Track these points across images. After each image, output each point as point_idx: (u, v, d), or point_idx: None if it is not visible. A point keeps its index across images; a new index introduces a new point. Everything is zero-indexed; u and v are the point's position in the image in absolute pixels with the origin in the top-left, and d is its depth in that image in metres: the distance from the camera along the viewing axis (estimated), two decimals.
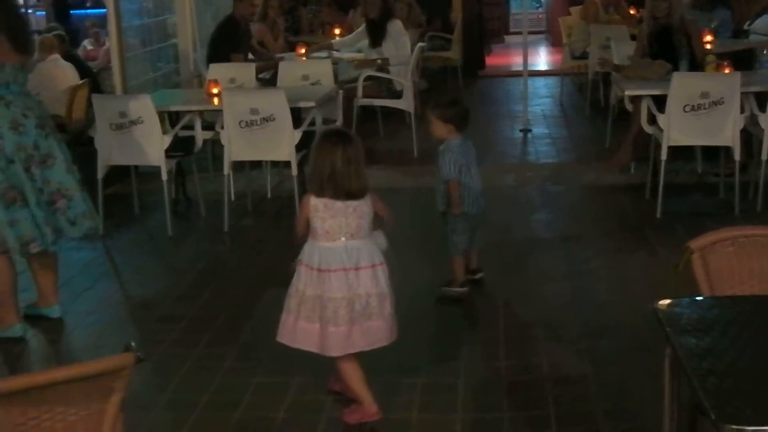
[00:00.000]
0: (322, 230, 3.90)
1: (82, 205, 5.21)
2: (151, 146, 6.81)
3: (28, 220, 4.96)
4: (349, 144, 3.91)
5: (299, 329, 3.97)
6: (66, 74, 9.15)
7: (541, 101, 12.25)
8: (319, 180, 3.87)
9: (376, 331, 3.97)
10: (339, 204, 3.87)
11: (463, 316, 5.33)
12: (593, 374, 4.41)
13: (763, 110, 6.75)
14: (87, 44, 12.65)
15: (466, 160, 5.34)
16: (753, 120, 6.84)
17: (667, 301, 2.81)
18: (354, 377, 4.04)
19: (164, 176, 6.85)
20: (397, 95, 9.43)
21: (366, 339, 3.96)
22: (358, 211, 3.91)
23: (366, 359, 4.61)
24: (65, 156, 5.17)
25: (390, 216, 4.13)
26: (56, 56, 9.18)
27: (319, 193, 3.89)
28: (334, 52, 10.05)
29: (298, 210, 4.19)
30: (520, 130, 10.16)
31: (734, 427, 2.08)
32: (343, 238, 3.90)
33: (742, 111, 6.73)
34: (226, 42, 8.98)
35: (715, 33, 8.49)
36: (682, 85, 6.71)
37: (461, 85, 13.35)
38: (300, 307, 3.95)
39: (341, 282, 3.88)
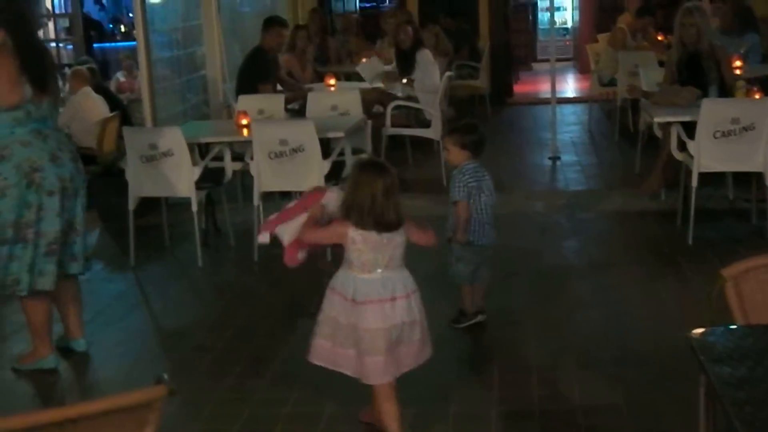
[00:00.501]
0: (359, 262, 3.89)
1: (84, 243, 5.25)
2: (181, 178, 6.86)
3: (24, 261, 4.94)
4: (387, 175, 3.90)
5: (338, 355, 3.97)
6: (97, 106, 9.24)
7: (569, 128, 12.23)
8: (360, 212, 3.85)
9: (405, 357, 3.98)
10: (375, 237, 3.86)
11: (494, 344, 5.30)
12: (625, 403, 4.38)
13: None
14: (120, 76, 12.79)
15: (477, 184, 5.24)
16: None
17: (700, 330, 2.79)
18: (390, 414, 4.00)
19: (194, 207, 6.88)
20: (426, 124, 9.45)
21: (397, 366, 3.97)
22: (393, 242, 3.90)
23: (398, 388, 4.61)
24: (85, 191, 5.24)
25: (431, 238, 4.12)
26: (87, 89, 9.28)
27: (360, 225, 3.87)
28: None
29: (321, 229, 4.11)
30: (549, 158, 10.14)
31: None
32: (379, 270, 3.89)
33: None
34: (255, 73, 9.03)
35: (744, 58, 8.46)
36: (712, 111, 6.68)
37: (489, 113, 13.36)
38: (335, 333, 3.95)
39: (377, 314, 3.86)
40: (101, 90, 9.80)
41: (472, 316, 5.41)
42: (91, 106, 9.20)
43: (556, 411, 4.37)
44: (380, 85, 10.18)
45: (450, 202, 5.35)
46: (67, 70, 10.51)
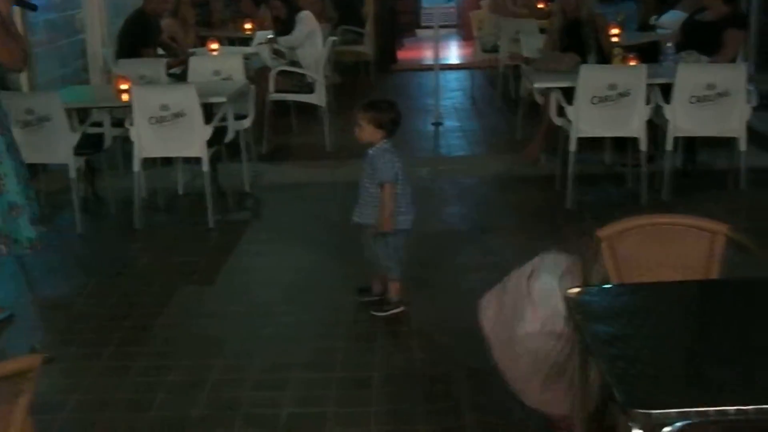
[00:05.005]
0: None
1: None
2: (59, 144, 6.69)
3: None
4: None
5: None
6: None
7: (452, 94, 12.33)
8: None
9: None
10: None
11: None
12: None
13: (667, 101, 6.90)
14: None
15: (401, 164, 4.99)
16: (658, 111, 6.99)
17: (576, 289, 2.86)
18: None
19: (72, 174, 6.73)
20: (310, 90, 9.41)
21: None
22: None
23: (282, 356, 4.62)
24: None
25: None
26: None
27: None
28: (275, 45, 9.96)
29: None
30: (432, 123, 10.23)
31: (641, 411, 2.12)
32: None
33: (648, 102, 6.88)
34: (135, 37, 8.86)
35: (621, 26, 8.64)
36: (590, 77, 6.83)
37: (374, 79, 13.37)
38: None
39: None
40: None
41: (397, 305, 5.15)
42: None
43: (439, 374, 4.42)
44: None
45: (376, 184, 4.95)
46: None
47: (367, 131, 4.95)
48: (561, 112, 7.11)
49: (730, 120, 6.90)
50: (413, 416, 4.03)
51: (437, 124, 10.21)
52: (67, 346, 4.84)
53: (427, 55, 15.27)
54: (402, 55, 16.11)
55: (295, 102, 9.84)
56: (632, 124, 6.86)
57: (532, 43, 9.09)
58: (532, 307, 3.48)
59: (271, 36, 9.92)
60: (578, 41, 7.85)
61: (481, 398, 4.16)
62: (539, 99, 7.89)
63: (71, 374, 4.52)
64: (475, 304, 5.18)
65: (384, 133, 4.97)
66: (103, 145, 7.11)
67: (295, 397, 4.21)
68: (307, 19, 9.75)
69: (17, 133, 6.61)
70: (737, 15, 7.79)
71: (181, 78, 8.66)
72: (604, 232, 3.21)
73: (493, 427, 3.95)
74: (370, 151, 4.99)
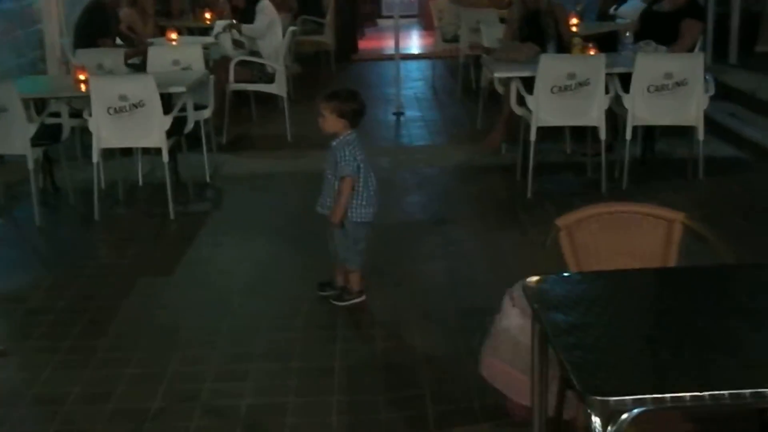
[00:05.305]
0: None
1: None
2: (16, 135, 6.61)
3: None
4: None
5: None
6: None
7: (413, 84, 12.34)
8: None
9: None
10: None
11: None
12: (466, 353, 4.45)
13: (626, 91, 6.95)
14: None
15: (363, 156, 4.98)
16: (617, 100, 7.04)
17: (535, 278, 2.86)
18: None
19: (30, 165, 6.65)
20: (270, 79, 9.37)
21: None
22: None
23: (242, 347, 4.61)
24: None
25: None
26: None
27: None
28: (235, 35, 9.94)
29: None
30: (393, 113, 10.23)
31: (598, 398, 2.13)
32: None
33: (607, 92, 6.92)
34: (93, 27, 8.77)
35: (580, 16, 8.69)
36: (549, 67, 6.85)
37: (335, 69, 13.34)
38: None
39: None
40: None
41: (358, 294, 5.13)
42: None
43: (400, 363, 4.42)
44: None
45: (337, 177, 4.94)
46: None
47: (329, 121, 4.95)
48: (521, 101, 7.13)
49: (688, 109, 6.96)
50: (375, 405, 4.03)
51: (398, 113, 10.20)
52: (24, 340, 4.79)
53: (388, 45, 15.25)
54: (363, 45, 16.10)
55: (255, 92, 9.80)
56: (591, 113, 6.90)
57: (492, 33, 9.11)
58: (511, 304, 3.52)
59: (230, 22, 9.87)
60: (538, 31, 7.88)
61: (443, 387, 4.16)
62: (500, 89, 7.92)
63: (29, 367, 4.48)
64: (436, 294, 5.24)
65: (346, 123, 4.96)
66: (61, 135, 7.04)
67: (256, 387, 4.20)
68: (267, 9, 9.69)
69: None
70: (694, 5, 7.85)
71: (140, 68, 8.59)
72: (562, 220, 3.22)
73: (455, 416, 3.95)
74: (333, 143, 4.98)
